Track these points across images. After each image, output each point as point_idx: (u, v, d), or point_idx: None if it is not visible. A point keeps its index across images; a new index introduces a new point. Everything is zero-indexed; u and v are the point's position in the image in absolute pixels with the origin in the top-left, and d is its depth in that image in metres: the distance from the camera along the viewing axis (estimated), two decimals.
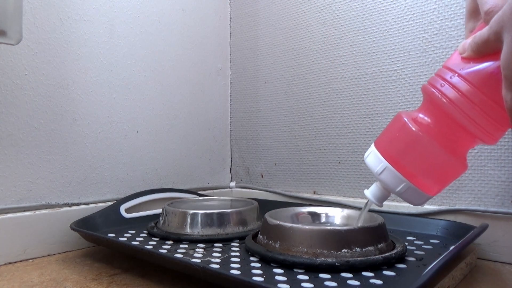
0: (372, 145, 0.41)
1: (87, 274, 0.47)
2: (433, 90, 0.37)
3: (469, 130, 0.36)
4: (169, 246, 0.50)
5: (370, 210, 0.60)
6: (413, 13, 0.62)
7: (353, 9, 0.69)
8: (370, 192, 0.42)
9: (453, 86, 0.35)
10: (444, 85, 0.36)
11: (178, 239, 0.53)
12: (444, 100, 0.36)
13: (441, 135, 0.37)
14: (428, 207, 0.60)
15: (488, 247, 0.54)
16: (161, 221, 0.58)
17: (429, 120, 0.38)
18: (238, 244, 0.51)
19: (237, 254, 0.47)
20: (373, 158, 0.40)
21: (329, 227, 0.47)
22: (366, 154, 0.42)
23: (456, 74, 0.35)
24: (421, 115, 0.38)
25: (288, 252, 0.43)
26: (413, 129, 0.37)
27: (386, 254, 0.42)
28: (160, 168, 0.74)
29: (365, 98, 0.68)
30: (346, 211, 0.54)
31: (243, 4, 0.88)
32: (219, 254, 0.47)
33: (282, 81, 0.80)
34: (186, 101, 0.79)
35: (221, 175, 0.87)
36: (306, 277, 0.38)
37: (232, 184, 0.89)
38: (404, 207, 0.62)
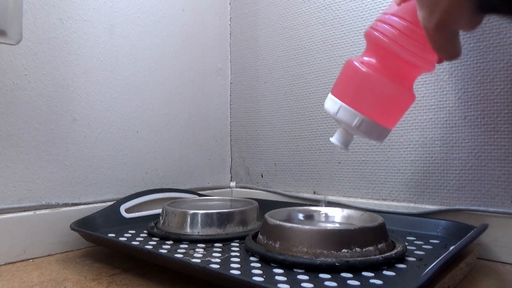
0: (329, 93, 0.45)
1: (87, 274, 0.47)
2: (371, 30, 0.42)
3: (408, 60, 0.41)
4: (169, 246, 0.50)
5: (371, 210, 0.60)
6: None
7: (353, 9, 0.69)
8: (334, 137, 0.46)
9: (388, 24, 0.41)
10: (380, 24, 0.42)
11: (178, 239, 0.53)
12: (382, 37, 0.41)
13: (386, 70, 0.42)
14: (428, 207, 0.60)
15: (488, 247, 0.54)
16: (161, 221, 0.58)
17: (374, 60, 0.43)
18: (238, 244, 0.51)
19: (237, 254, 0.47)
20: (330, 102, 0.44)
21: (329, 227, 0.47)
22: (324, 103, 0.45)
23: (390, 13, 0.41)
24: (366, 58, 0.43)
25: (288, 252, 0.43)
26: (363, 69, 0.42)
27: (386, 254, 0.42)
28: (160, 168, 0.74)
29: None
30: (346, 211, 0.54)
31: (243, 4, 0.88)
32: (219, 254, 0.47)
33: (282, 81, 0.80)
34: (186, 101, 0.79)
35: (221, 175, 0.87)
36: (306, 277, 0.38)
37: (232, 184, 0.89)
38: (404, 207, 0.62)
